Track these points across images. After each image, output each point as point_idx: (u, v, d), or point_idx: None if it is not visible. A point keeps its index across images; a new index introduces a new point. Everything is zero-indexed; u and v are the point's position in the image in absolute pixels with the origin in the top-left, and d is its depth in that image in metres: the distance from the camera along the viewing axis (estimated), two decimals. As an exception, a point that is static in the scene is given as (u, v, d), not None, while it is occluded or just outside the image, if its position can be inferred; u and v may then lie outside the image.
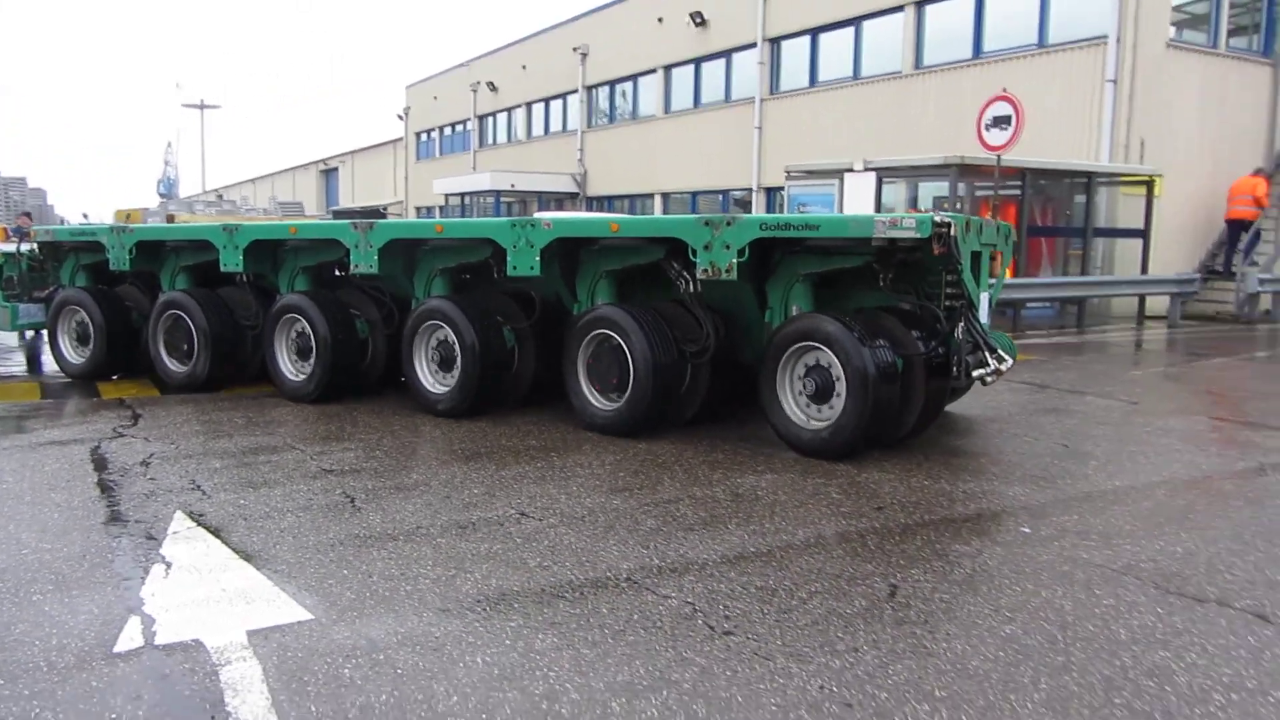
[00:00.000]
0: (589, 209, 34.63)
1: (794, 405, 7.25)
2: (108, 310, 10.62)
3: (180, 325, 9.97)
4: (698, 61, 29.80)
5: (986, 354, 7.13)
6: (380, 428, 8.21)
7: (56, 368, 11.18)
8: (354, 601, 4.41)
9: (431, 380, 8.72)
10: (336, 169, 67.52)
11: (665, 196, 31.83)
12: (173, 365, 10.08)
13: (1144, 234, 17.60)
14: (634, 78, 33.11)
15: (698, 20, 28.84)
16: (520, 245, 8.09)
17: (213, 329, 9.80)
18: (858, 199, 15.20)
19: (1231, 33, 20.44)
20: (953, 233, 6.56)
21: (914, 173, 16.00)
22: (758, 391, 7.41)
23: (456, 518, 5.68)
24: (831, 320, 6.93)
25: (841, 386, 6.88)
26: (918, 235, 6.47)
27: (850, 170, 15.42)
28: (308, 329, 9.21)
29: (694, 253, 7.31)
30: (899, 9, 22.53)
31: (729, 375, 8.07)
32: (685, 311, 7.88)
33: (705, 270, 7.28)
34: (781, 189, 19.48)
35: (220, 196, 59.74)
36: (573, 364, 8.04)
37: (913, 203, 17.33)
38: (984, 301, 7.45)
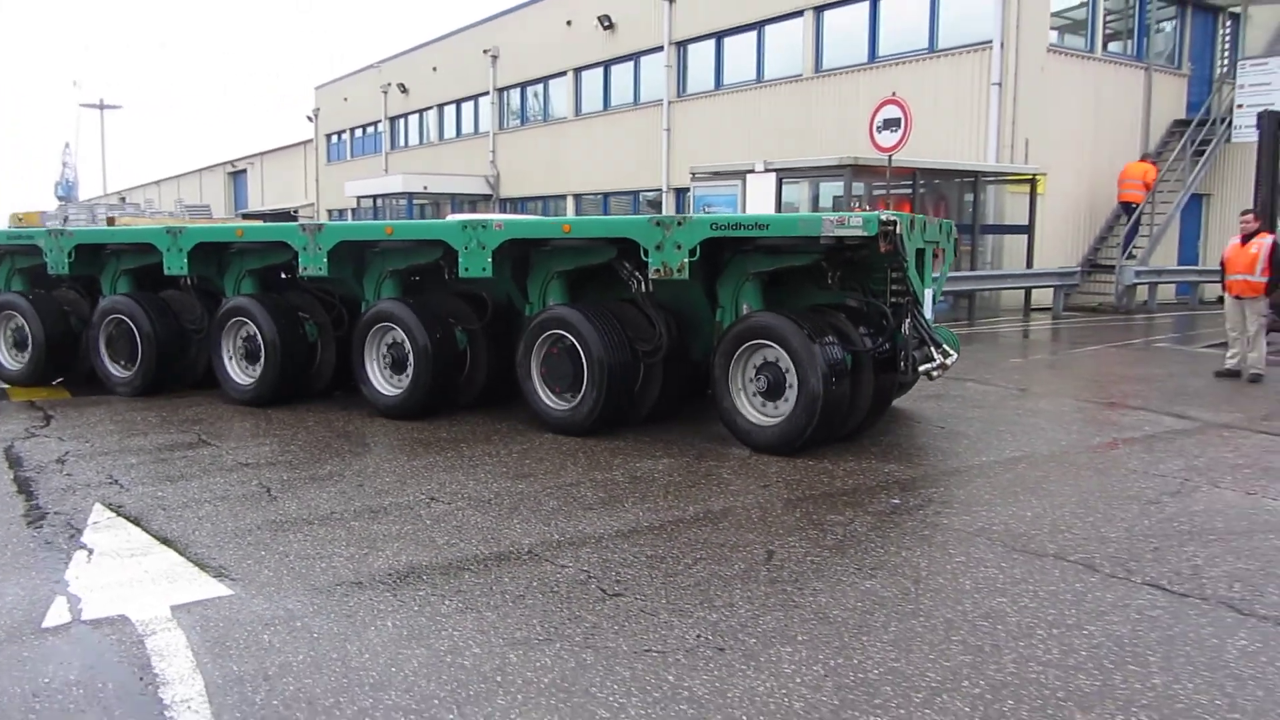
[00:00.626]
0: (502, 210, 34.82)
1: (746, 402, 7.35)
2: (46, 315, 10.40)
3: (123, 330, 9.80)
4: (607, 64, 30.24)
5: (932, 349, 7.34)
6: (295, 424, 8.46)
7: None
8: (271, 578, 4.73)
9: (384, 382, 8.69)
10: (245, 171, 66.39)
11: (577, 198, 32.21)
12: (115, 370, 9.92)
13: (1029, 230, 18.54)
14: (544, 80, 33.41)
15: (606, 24, 29.29)
16: (472, 247, 8.10)
17: (157, 333, 9.65)
18: (759, 199, 15.79)
19: (1109, 38, 21.59)
20: (899, 230, 6.68)
21: (811, 173, 16.65)
22: (710, 388, 7.53)
23: (369, 503, 6.01)
24: (782, 318, 7.04)
25: (793, 382, 7.01)
26: (865, 233, 6.60)
27: (752, 171, 16.02)
28: (255, 332, 9.12)
29: (646, 253, 7.36)
30: (799, 14, 23.25)
31: (681, 373, 8.14)
32: (638, 311, 7.94)
33: (657, 270, 7.34)
34: (689, 190, 20.01)
35: (123, 199, 58.29)
36: (526, 365, 8.05)
37: (814, 202, 17.99)
38: (928, 297, 7.70)
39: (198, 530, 5.47)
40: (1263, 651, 3.96)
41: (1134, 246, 19.96)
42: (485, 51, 35.30)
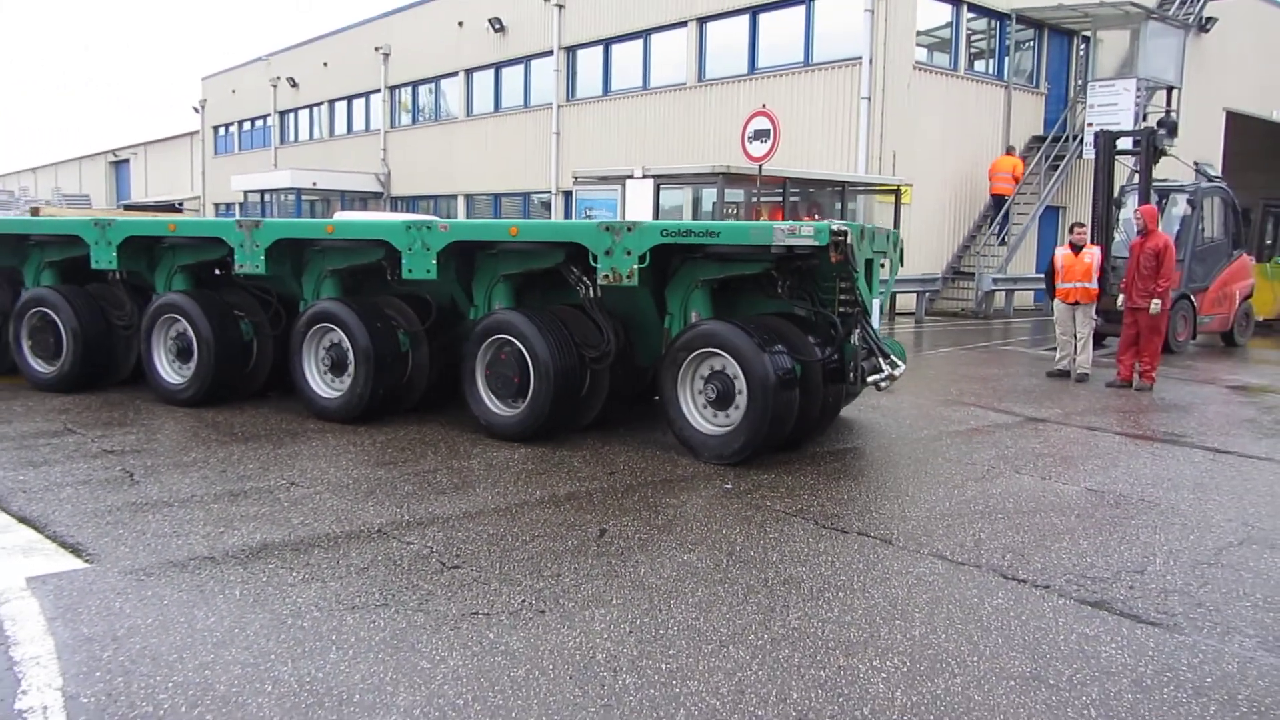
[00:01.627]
0: (393, 209, 34.74)
1: (694, 410, 7.29)
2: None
3: (47, 324, 9.53)
4: (498, 66, 30.49)
5: (880, 359, 7.41)
6: (163, 414, 8.62)
7: None
8: (127, 554, 5.00)
9: (322, 384, 8.51)
10: (128, 161, 64.45)
11: (469, 198, 32.36)
12: (38, 366, 9.65)
13: (896, 238, 19.47)
14: (436, 79, 33.47)
15: (497, 26, 29.54)
16: (416, 248, 7.96)
17: (83, 328, 9.39)
18: (638, 204, 16.31)
19: (974, 57, 22.78)
20: (849, 241, 6.70)
21: (687, 180, 17.25)
22: (658, 395, 7.50)
23: (230, 488, 6.29)
24: (732, 327, 7.02)
25: (742, 390, 6.96)
26: (816, 243, 6.63)
27: (631, 177, 16.53)
28: (188, 330, 8.85)
29: (595, 258, 7.30)
30: (683, 24, 23.92)
31: (627, 379, 8.15)
32: (585, 316, 7.85)
33: (606, 275, 7.25)
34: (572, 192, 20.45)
35: (-6, 188, 56.06)
36: (471, 369, 7.89)
37: (694, 207, 18.59)
38: (875, 307, 7.76)
39: (57, 511, 5.68)
40: (1013, 608, 4.57)
41: (993, 254, 21.12)
42: (377, 49, 35.18)
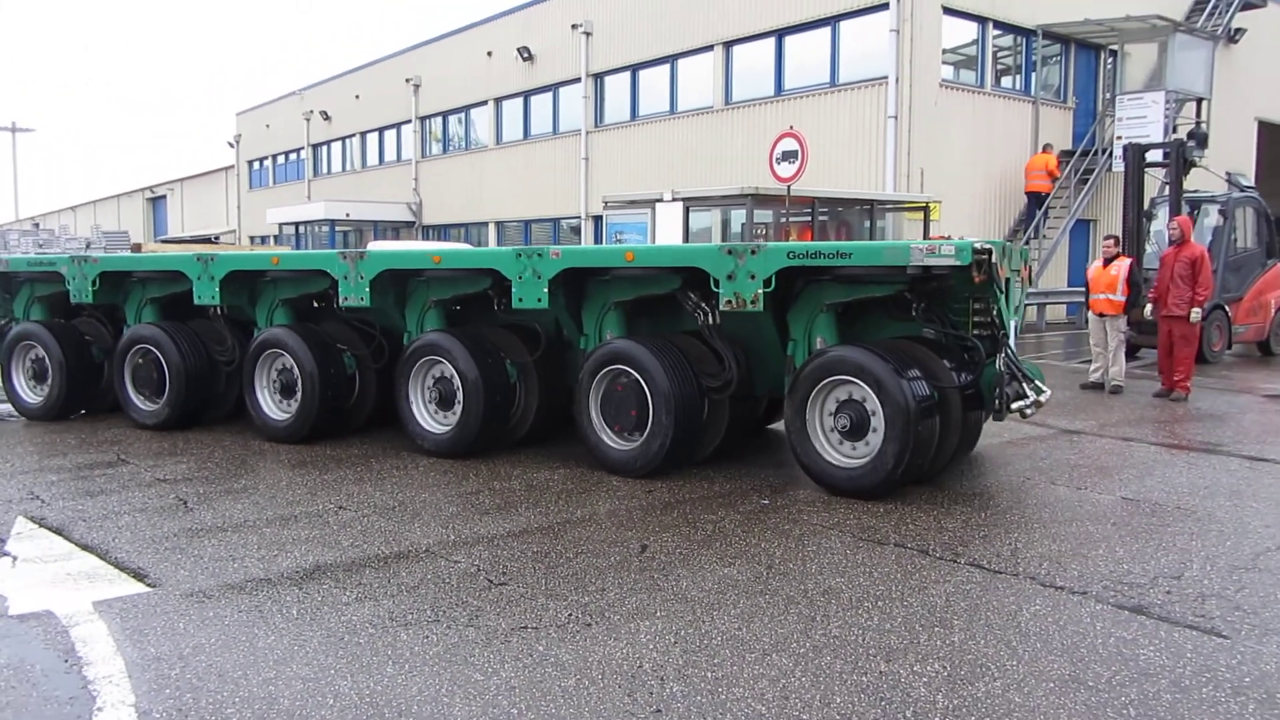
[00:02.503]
0: (424, 238, 35.16)
1: (825, 442, 6.88)
2: (67, 345, 10.03)
3: (149, 361, 9.41)
4: (526, 94, 30.89)
5: (1024, 385, 6.89)
6: (212, 443, 8.85)
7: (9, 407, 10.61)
8: (186, 577, 5.19)
9: (429, 419, 8.27)
10: (164, 196, 65.63)
11: (499, 225, 32.72)
12: (141, 403, 9.52)
13: (926, 255, 19.47)
14: (466, 109, 33.94)
15: (525, 55, 29.95)
16: (526, 276, 7.68)
17: (186, 365, 9.25)
18: (667, 227, 16.49)
19: (1000, 73, 22.84)
20: (994, 260, 6.33)
21: (715, 202, 17.42)
22: (786, 428, 7.09)
23: (280, 512, 6.48)
24: (866, 352, 6.59)
25: (878, 422, 6.55)
26: (957, 263, 6.24)
27: (660, 200, 16.72)
28: (292, 365, 8.68)
29: (716, 283, 6.97)
30: (709, 49, 24.17)
31: (747, 409, 7.94)
32: (703, 344, 7.55)
33: (729, 301, 6.94)
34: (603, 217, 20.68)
35: (37, 225, 57.22)
36: (584, 402, 7.58)
37: (724, 228, 18.74)
38: (1012, 329, 7.19)
39: (117, 538, 5.89)
40: (1051, 614, 4.64)
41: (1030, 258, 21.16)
42: (408, 80, 35.72)
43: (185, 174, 62.43)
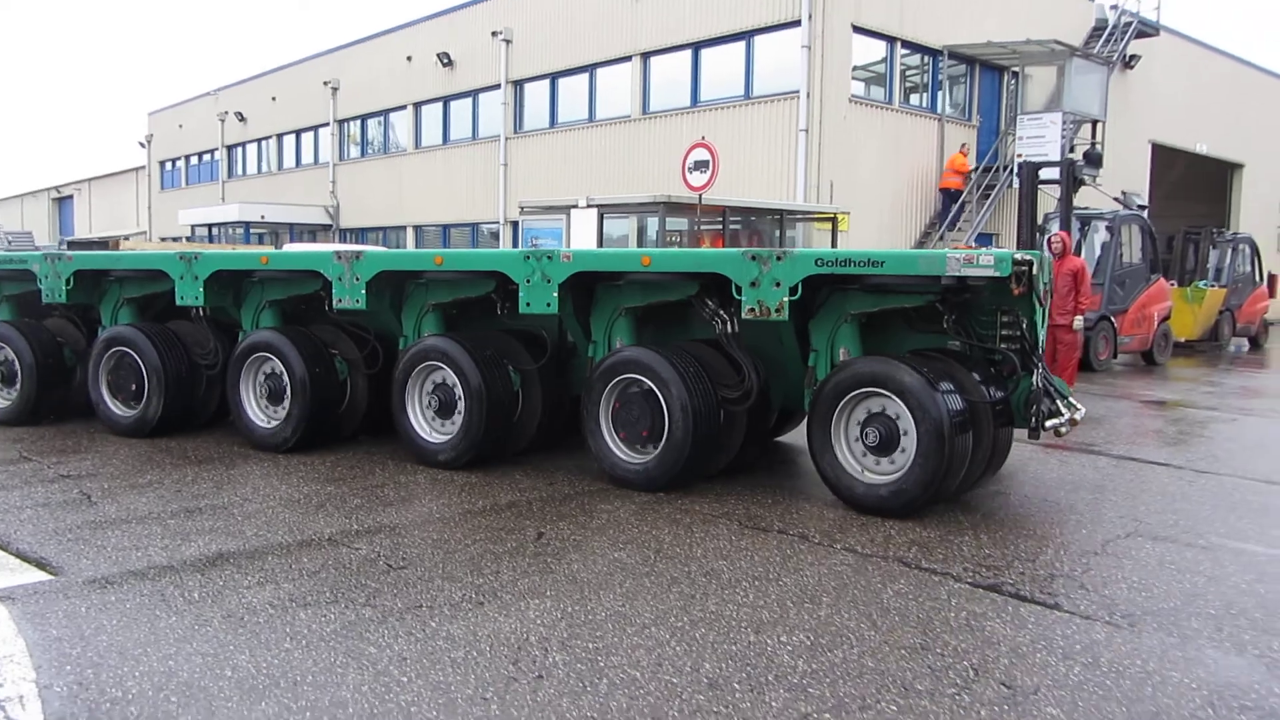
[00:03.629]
0: (342, 240, 34.92)
1: (850, 456, 6.62)
2: (38, 347, 9.65)
3: (127, 364, 9.03)
4: (446, 100, 30.93)
5: (1059, 402, 6.63)
6: (116, 441, 8.86)
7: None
8: (90, 566, 5.30)
9: (428, 427, 7.92)
10: (71, 197, 63.94)
11: (418, 229, 32.67)
12: (118, 409, 9.14)
13: (835, 265, 20.10)
14: (385, 113, 33.83)
15: (445, 60, 30.00)
16: (535, 280, 7.38)
17: (167, 368, 8.87)
18: (582, 233, 16.77)
19: (910, 90, 23.62)
20: (1034, 271, 6.14)
21: (630, 209, 17.75)
22: (810, 442, 6.77)
23: (185, 505, 6.59)
24: (897, 364, 6.32)
25: (909, 438, 6.30)
26: (996, 274, 6.03)
27: (575, 207, 16.99)
28: (281, 369, 8.34)
29: (738, 289, 6.72)
30: (628, 59, 24.55)
31: (764, 421, 7.75)
32: (719, 353, 7.27)
33: (752, 309, 6.66)
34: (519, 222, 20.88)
35: (-65, 225, 55.31)
36: (594, 412, 7.31)
37: (639, 235, 19.08)
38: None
39: (19, 531, 5.96)
40: (912, 592, 5.02)
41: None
42: (326, 83, 35.47)
43: (94, 174, 60.91)
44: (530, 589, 4.98)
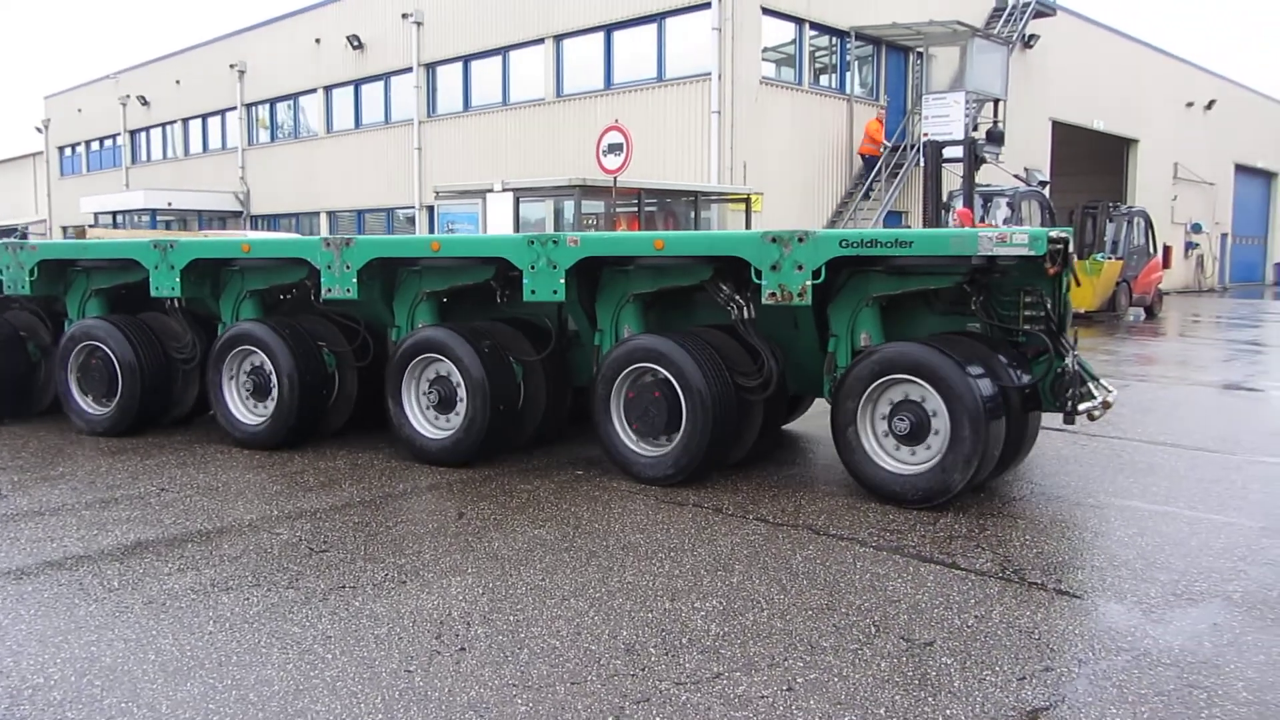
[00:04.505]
0: (254, 227, 34.29)
1: (877, 446, 6.34)
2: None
3: (97, 359, 8.58)
4: (357, 83, 30.53)
5: (1092, 385, 6.38)
6: (26, 433, 8.71)
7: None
8: (3, 558, 5.26)
9: (426, 423, 7.56)
10: (-36, 185, 61.47)
11: (331, 215, 32.23)
12: (87, 406, 8.69)
13: (750, 244, 20.45)
14: (294, 96, 33.25)
15: (355, 43, 29.59)
16: (540, 266, 7.02)
17: (140, 363, 8.43)
18: (498, 217, 16.80)
19: (819, 71, 24.04)
20: (1069, 250, 5.93)
21: (546, 193, 17.83)
22: (835, 433, 6.46)
23: (100, 496, 6.55)
24: (928, 349, 6.03)
25: (941, 425, 6.03)
26: (1031, 253, 5.75)
27: (491, 191, 17.01)
28: (266, 364, 7.91)
29: (757, 273, 6.41)
30: (540, 41, 24.54)
31: (780, 410, 7.51)
32: (735, 340, 6.97)
33: (773, 294, 6.35)
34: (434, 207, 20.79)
35: None
36: (605, 404, 6.98)
37: (557, 218, 19.15)
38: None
39: (-72, 525, 5.88)
40: (820, 557, 5.26)
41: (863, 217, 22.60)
42: (232, 66, 34.71)
43: (-12, 160, 58.67)
44: (452, 567, 5.10)
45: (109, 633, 4.25)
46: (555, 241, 7.02)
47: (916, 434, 6.15)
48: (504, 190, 16.77)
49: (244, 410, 8.18)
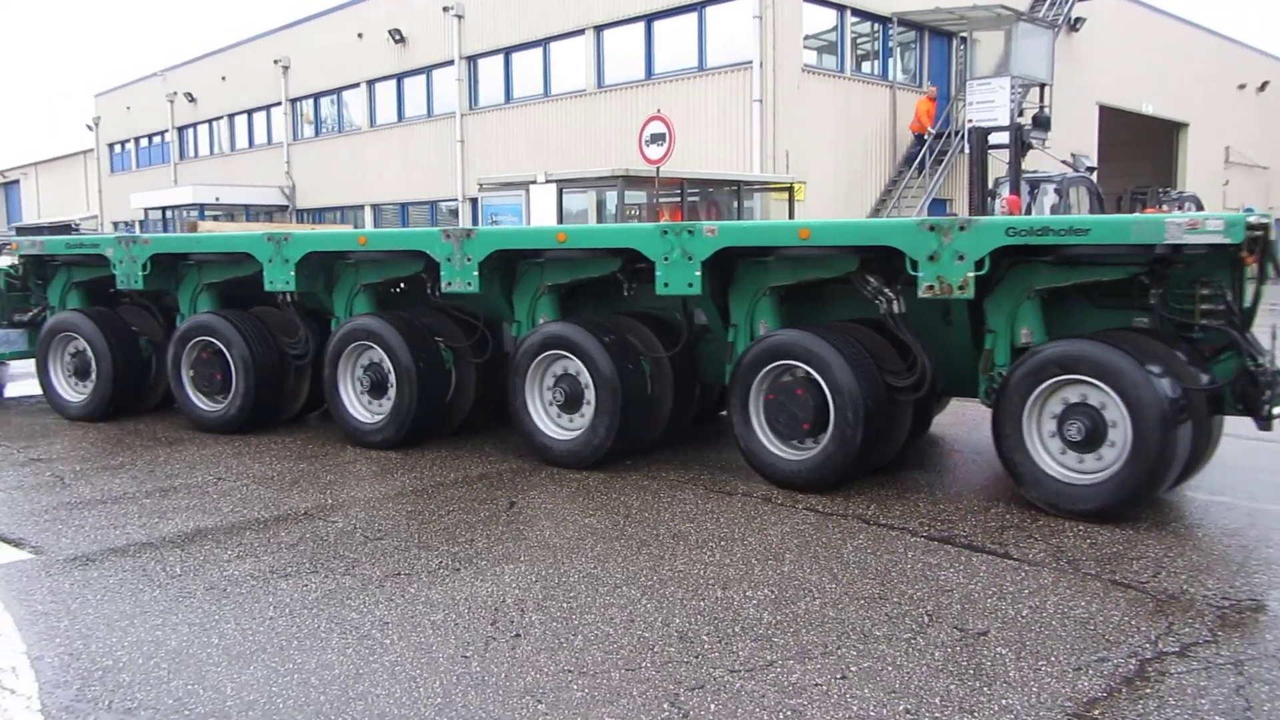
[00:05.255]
0: (299, 221, 34.66)
1: (1044, 452, 5.81)
2: (113, 337, 8.99)
3: (212, 355, 8.41)
4: (399, 77, 30.73)
5: None
6: (87, 426, 8.91)
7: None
8: (69, 545, 5.40)
9: (550, 423, 7.26)
10: (18, 181, 62.79)
11: (375, 208, 32.51)
12: (201, 403, 8.54)
13: (792, 233, 20.37)
14: (338, 91, 33.55)
15: (397, 37, 29.79)
16: (674, 257, 6.63)
17: (255, 359, 8.25)
18: (541, 209, 16.88)
19: (861, 58, 23.86)
20: (1272, 236, 5.43)
21: (589, 184, 17.88)
22: (998, 437, 5.95)
23: (160, 485, 6.69)
24: (1106, 347, 5.53)
25: (1121, 432, 5.47)
26: (1226, 240, 5.24)
27: (534, 182, 17.08)
28: (384, 359, 7.63)
29: (913, 264, 5.98)
30: (580, 32, 24.56)
31: (928, 411, 7.22)
32: (881, 335, 6.55)
33: (931, 286, 5.90)
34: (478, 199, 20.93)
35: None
36: (743, 404, 6.57)
37: (599, 209, 19.19)
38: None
39: (-5, 514, 6.04)
40: (870, 546, 5.25)
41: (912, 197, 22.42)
42: (276, 61, 35.07)
43: (40, 158, 59.80)
44: (504, 555, 5.16)
45: (173, 617, 4.35)
46: (691, 231, 6.61)
47: (1091, 440, 5.62)
48: (547, 181, 16.83)
49: (360, 408, 7.89)
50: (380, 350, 7.65)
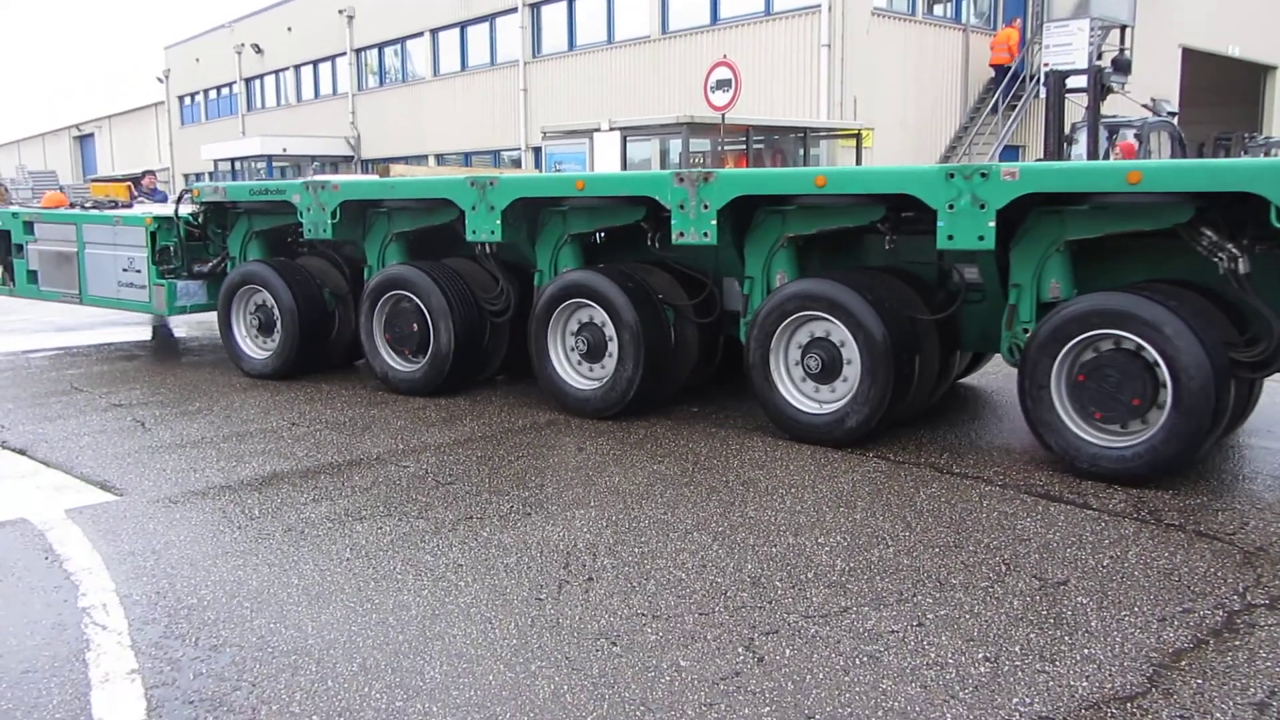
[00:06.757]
0: (365, 171, 34.94)
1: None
2: (298, 290, 8.49)
3: (408, 310, 7.82)
4: (463, 25, 30.64)
5: None
6: (164, 371, 9.11)
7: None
8: (152, 487, 5.54)
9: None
10: (93, 135, 63.99)
11: (439, 157, 32.62)
12: (396, 362, 7.97)
13: (859, 181, 20.03)
14: (401, 40, 33.58)
15: (460, -16, 29.72)
16: (961, 205, 5.73)
17: (455, 316, 7.60)
18: (606, 157, 16.77)
19: (932, 1, 23.22)
20: None
21: (653, 131, 17.71)
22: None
23: (236, 430, 6.82)
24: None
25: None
26: None
27: (598, 130, 16.97)
28: (604, 318, 6.96)
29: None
30: (645, -23, 24.28)
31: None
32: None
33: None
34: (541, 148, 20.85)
35: (-40, 168, 55.66)
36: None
37: (663, 158, 19.03)
38: None
39: (80, 456, 6.20)
40: (944, 495, 5.18)
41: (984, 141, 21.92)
42: (341, 12, 35.15)
43: (113, 111, 60.88)
44: (575, 500, 5.18)
45: (253, 558, 4.44)
46: (984, 174, 5.69)
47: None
48: (611, 130, 16.71)
49: (573, 373, 7.24)
50: (599, 309, 6.99)
